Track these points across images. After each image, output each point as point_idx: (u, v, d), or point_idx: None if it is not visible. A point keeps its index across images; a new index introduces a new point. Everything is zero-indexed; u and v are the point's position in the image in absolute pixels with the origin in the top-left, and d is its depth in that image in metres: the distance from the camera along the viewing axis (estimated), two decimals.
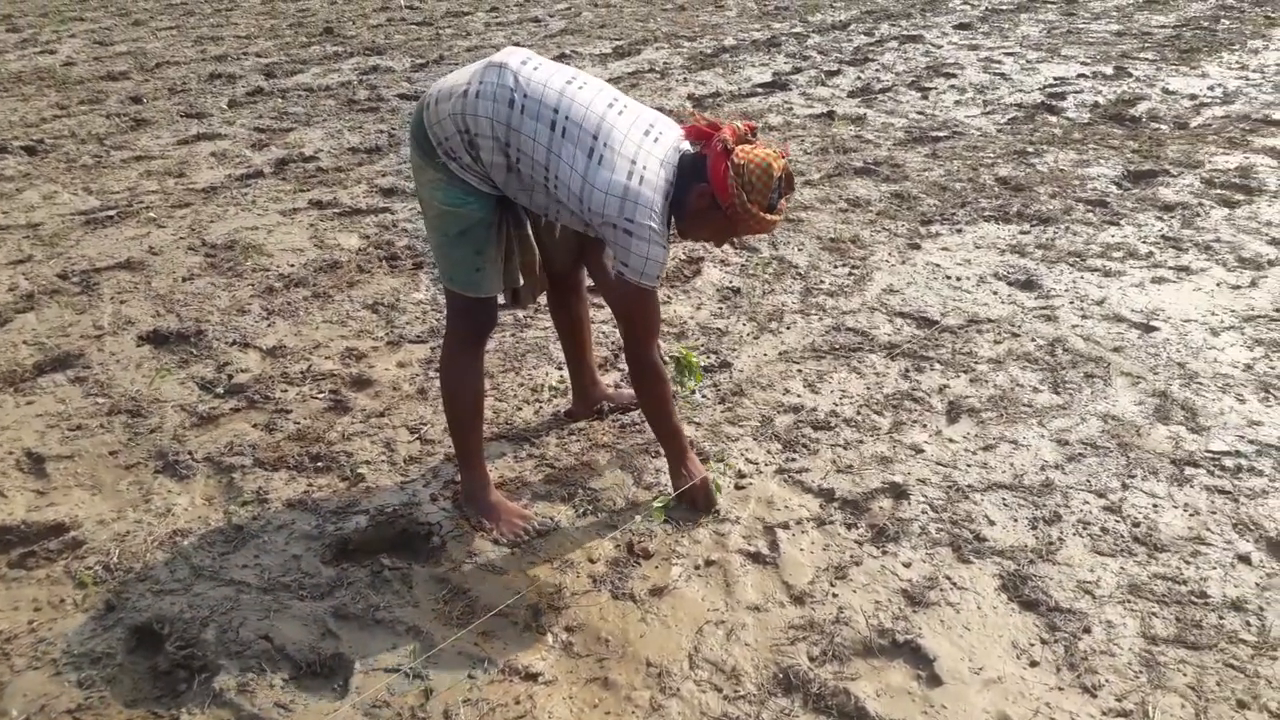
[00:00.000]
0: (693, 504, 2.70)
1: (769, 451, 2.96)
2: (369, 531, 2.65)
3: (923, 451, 2.95)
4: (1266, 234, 4.34)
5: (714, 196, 2.36)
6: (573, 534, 2.63)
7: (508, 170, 2.37)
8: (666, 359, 2.88)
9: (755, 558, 2.54)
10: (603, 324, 3.71)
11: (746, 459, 2.93)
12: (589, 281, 3.01)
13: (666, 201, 2.38)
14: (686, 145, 2.46)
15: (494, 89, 2.32)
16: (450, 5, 10.35)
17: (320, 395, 3.32)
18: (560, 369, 3.43)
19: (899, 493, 2.77)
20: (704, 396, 3.25)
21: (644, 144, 2.37)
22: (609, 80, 7.02)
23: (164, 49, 8.39)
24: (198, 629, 2.31)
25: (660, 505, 2.66)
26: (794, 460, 2.92)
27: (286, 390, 3.35)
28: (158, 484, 2.86)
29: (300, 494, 2.80)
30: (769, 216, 2.39)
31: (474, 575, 2.49)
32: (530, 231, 2.61)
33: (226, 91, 7.07)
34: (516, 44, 8.38)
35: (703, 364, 3.41)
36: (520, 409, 3.21)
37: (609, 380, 3.32)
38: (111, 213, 4.84)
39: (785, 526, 2.65)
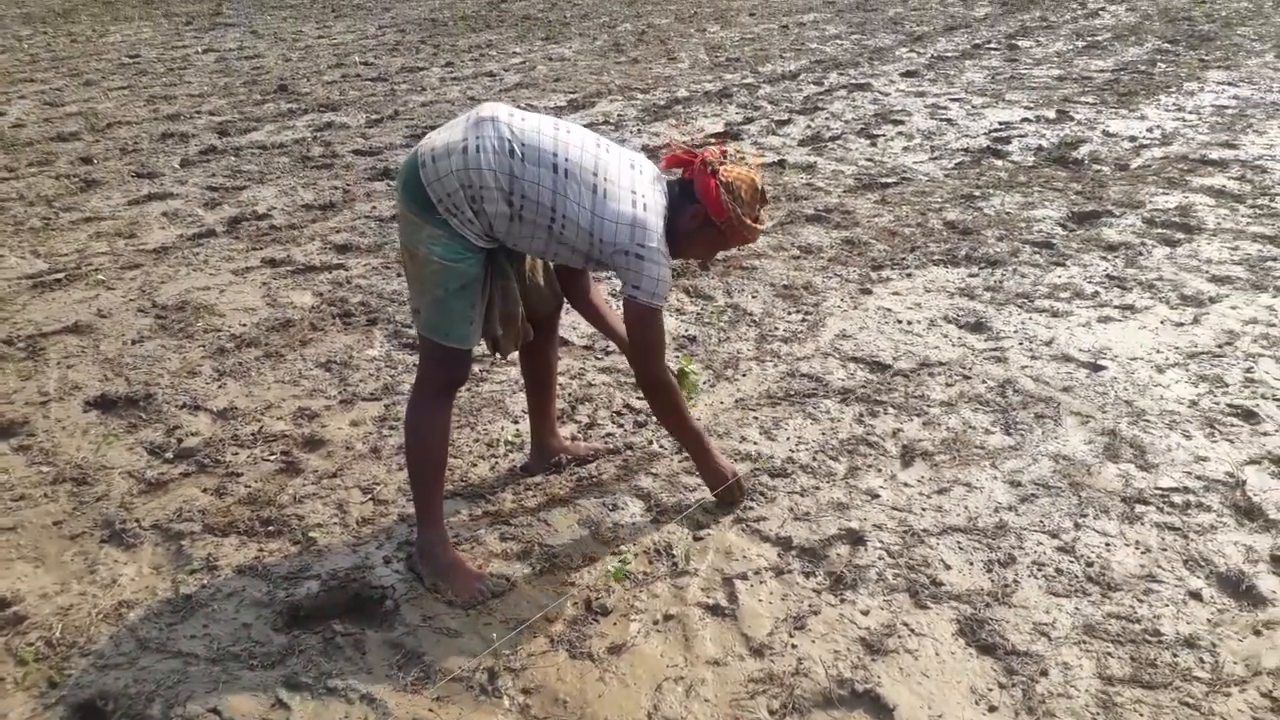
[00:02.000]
0: (729, 498, 2.89)
1: (725, 502, 2.95)
2: (321, 597, 2.60)
3: (878, 496, 2.97)
4: (1206, 271, 4.45)
5: (708, 215, 2.58)
6: (529, 593, 2.60)
7: (510, 219, 2.46)
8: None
9: (714, 610, 2.53)
10: (561, 374, 3.70)
11: (704, 509, 2.92)
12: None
13: (663, 225, 2.56)
14: (664, 176, 2.68)
15: (493, 142, 2.43)
16: (405, 60, 10.42)
17: (272, 457, 3.27)
18: (516, 423, 3.42)
19: (856, 539, 2.77)
20: (661, 446, 3.24)
21: (634, 178, 2.57)
22: None
23: (116, 109, 8.35)
24: (143, 704, 2.25)
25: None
26: (752, 509, 2.92)
27: (237, 453, 3.30)
28: (103, 554, 2.79)
29: (251, 559, 2.75)
30: (757, 225, 2.63)
31: (428, 639, 2.44)
32: (514, 282, 2.66)
33: (179, 151, 7.04)
34: (472, 99, 8.46)
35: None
36: (476, 465, 3.19)
37: (565, 433, 3.31)
38: (59, 275, 4.78)
39: (744, 577, 2.64)
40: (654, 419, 3.09)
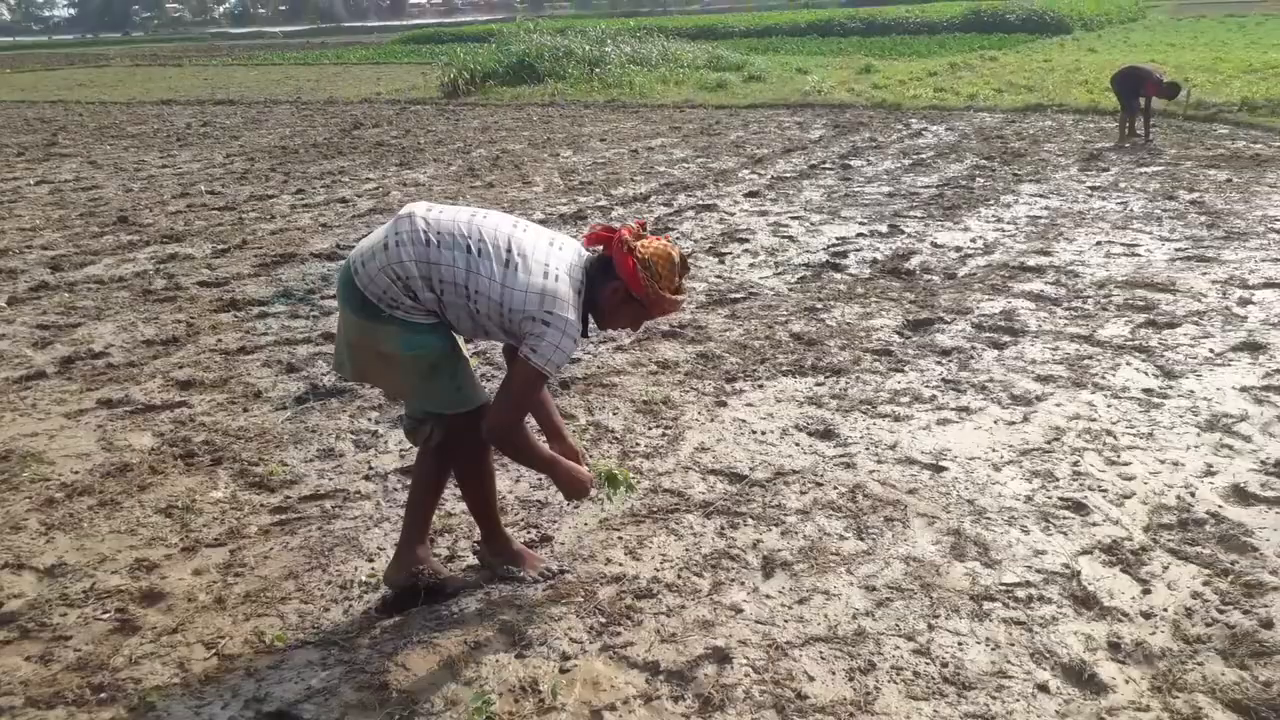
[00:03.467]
0: (572, 489, 2.94)
1: (592, 628, 2.92)
2: None
3: (742, 611, 2.99)
4: (1032, 371, 4.77)
5: (628, 290, 2.72)
6: None
7: (436, 301, 2.66)
8: (597, 472, 3.06)
9: None
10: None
11: (570, 638, 2.87)
12: None
13: (580, 299, 2.72)
14: (586, 253, 2.84)
15: (409, 235, 2.64)
16: (254, 189, 10.30)
17: (105, 615, 3.05)
18: (371, 561, 3.31)
19: (722, 657, 2.77)
20: (534, 581, 3.18)
21: (551, 253, 2.73)
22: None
23: None
24: None
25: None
26: (618, 634, 2.89)
27: (66, 614, 3.06)
28: None
29: None
30: (676, 297, 2.78)
31: None
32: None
33: (6, 287, 6.69)
34: (324, 225, 8.41)
35: (524, 539, 3.38)
36: (328, 609, 3.05)
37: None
38: None
39: (612, 708, 2.59)
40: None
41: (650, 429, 4.31)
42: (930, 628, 2.88)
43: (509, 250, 2.67)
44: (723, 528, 3.47)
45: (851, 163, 10.80)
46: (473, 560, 3.31)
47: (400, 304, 2.64)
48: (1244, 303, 5.67)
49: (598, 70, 21.03)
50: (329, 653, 2.84)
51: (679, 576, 3.18)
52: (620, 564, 3.26)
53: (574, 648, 2.84)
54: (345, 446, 4.20)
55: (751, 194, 9.36)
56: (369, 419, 4.46)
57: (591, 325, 2.88)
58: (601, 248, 2.81)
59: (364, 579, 3.20)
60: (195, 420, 4.50)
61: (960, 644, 2.80)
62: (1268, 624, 2.87)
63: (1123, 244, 7.06)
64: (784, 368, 4.96)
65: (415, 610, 3.02)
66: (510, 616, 2.97)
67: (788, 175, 10.23)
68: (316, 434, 4.32)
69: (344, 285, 2.71)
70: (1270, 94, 13.75)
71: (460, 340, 2.89)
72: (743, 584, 3.13)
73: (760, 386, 4.75)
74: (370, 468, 4.00)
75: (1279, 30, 26.90)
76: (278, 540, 3.47)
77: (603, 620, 2.95)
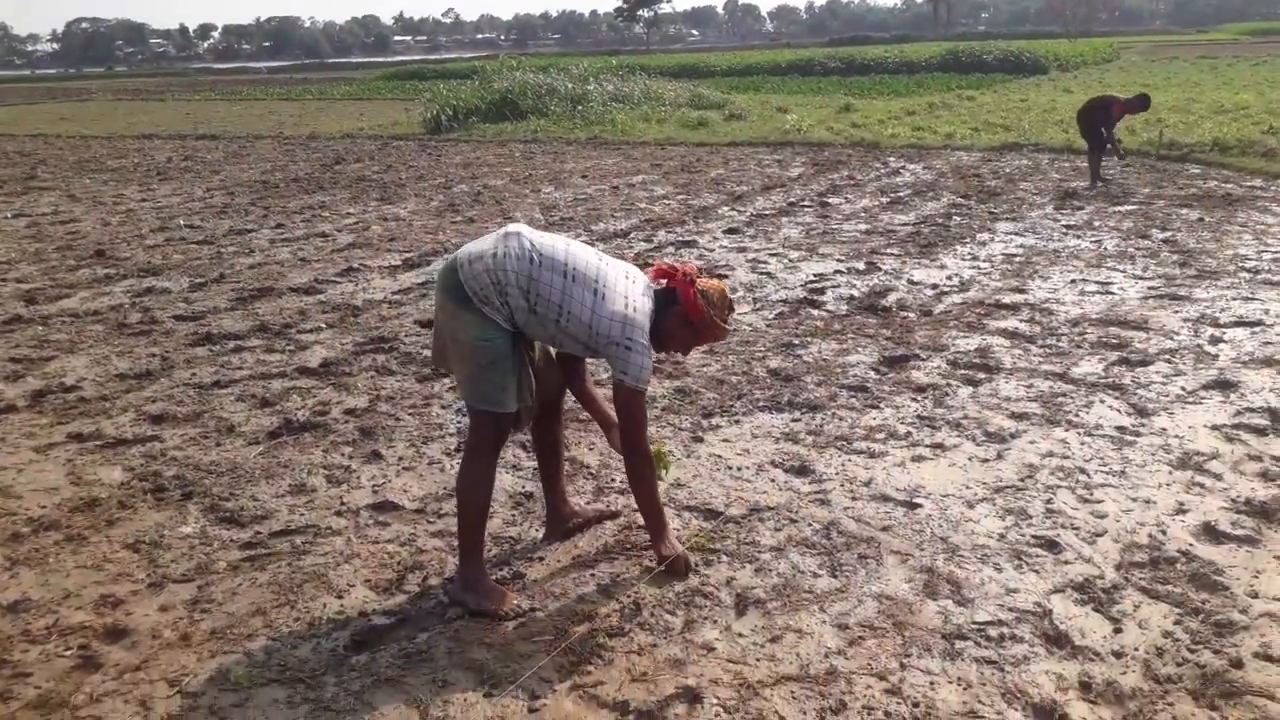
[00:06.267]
0: (673, 573, 3.33)
1: (562, 667, 2.89)
2: None
3: (714, 649, 2.97)
4: (1006, 409, 4.80)
5: (687, 315, 3.19)
6: None
7: (528, 312, 3.05)
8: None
9: None
10: (390, 541, 3.58)
11: (540, 677, 2.84)
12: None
13: (649, 325, 3.15)
14: (652, 285, 3.27)
15: (516, 251, 3.04)
16: (233, 223, 10.29)
17: (67, 652, 2.99)
18: (340, 598, 3.27)
19: (693, 697, 2.75)
20: (504, 618, 3.15)
21: (628, 285, 3.16)
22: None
23: None
24: None
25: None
26: (589, 673, 2.86)
27: (28, 650, 3.01)
28: None
29: None
30: (725, 325, 3.27)
31: None
32: (530, 367, 3.22)
33: None
34: (303, 260, 8.40)
35: (497, 577, 3.36)
36: (296, 647, 3.01)
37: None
38: None
39: None
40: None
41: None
42: (902, 666, 2.86)
43: (597, 280, 3.08)
44: (697, 564, 3.46)
45: (830, 200, 10.91)
46: (443, 597, 3.28)
47: (490, 302, 3.02)
48: (1215, 341, 5.74)
49: (580, 108, 21.24)
50: (295, 691, 2.80)
51: (652, 614, 3.16)
52: (593, 601, 3.24)
53: (543, 687, 2.80)
54: (317, 482, 4.16)
55: (731, 230, 9.43)
56: (342, 454, 4.43)
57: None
58: (665, 281, 3.27)
59: (332, 615, 3.16)
60: (166, 454, 4.46)
61: (932, 683, 2.79)
62: (1238, 664, 2.87)
63: (1096, 282, 7.14)
64: (761, 404, 4.97)
65: (383, 647, 2.98)
66: (479, 655, 2.94)
67: (767, 212, 10.32)
68: (289, 469, 4.28)
69: (448, 276, 3.08)
70: (1241, 134, 14.01)
71: (544, 348, 3.34)
72: (715, 622, 3.12)
73: (737, 422, 4.75)
74: (342, 503, 3.96)
75: (1249, 72, 27.47)
76: (246, 576, 3.43)
77: (573, 659, 2.92)
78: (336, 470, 4.27)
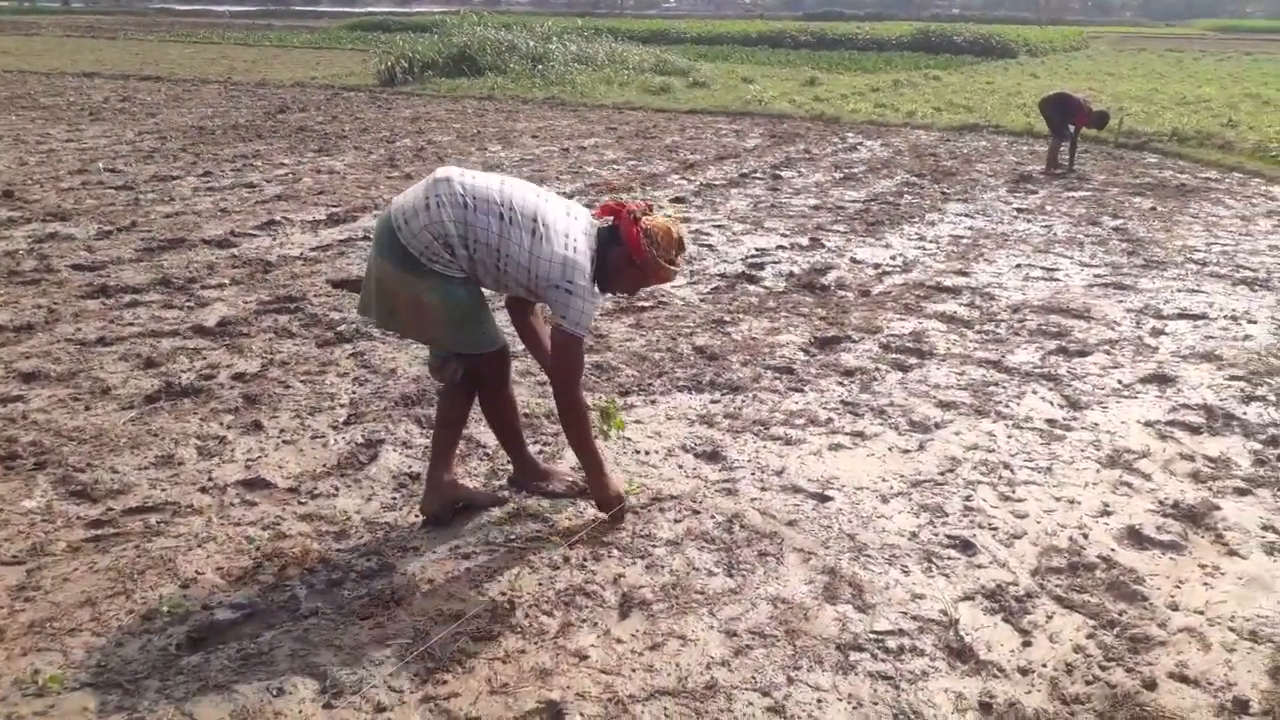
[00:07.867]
0: (611, 516, 3.32)
1: (416, 674, 2.61)
2: None
3: (587, 658, 2.70)
4: (934, 396, 4.57)
5: (630, 256, 3.07)
6: None
7: (468, 259, 2.97)
8: (591, 407, 3.35)
9: None
10: (254, 524, 3.27)
11: (390, 686, 2.56)
12: None
13: (592, 266, 3.05)
14: (597, 222, 3.17)
15: (448, 197, 2.95)
16: (157, 169, 9.76)
17: None
18: (185, 588, 2.96)
19: (555, 713, 2.48)
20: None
21: (569, 222, 3.05)
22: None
23: None
24: None
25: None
26: (444, 682, 2.59)
27: None
28: None
29: None
30: (671, 267, 3.13)
31: None
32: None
33: None
34: (224, 210, 7.96)
35: (363, 569, 3.06)
36: (122, 644, 2.69)
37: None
38: None
39: None
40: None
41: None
42: (789, 681, 2.62)
43: (535, 219, 2.98)
44: (585, 559, 3.19)
45: (782, 173, 10.61)
46: (300, 589, 2.98)
47: (439, 258, 2.94)
48: (1156, 333, 5.56)
49: (540, 67, 20.67)
50: (109, 698, 2.49)
51: (526, 615, 2.89)
52: (463, 599, 2.96)
53: (392, 698, 2.52)
54: (187, 453, 3.82)
55: (677, 200, 9.10)
56: (220, 422, 4.09)
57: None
58: (612, 219, 3.13)
59: (170, 607, 2.84)
60: (28, 417, 4.09)
61: (819, 701, 2.55)
62: (1150, 684, 2.67)
63: (1042, 268, 6.94)
64: (681, 383, 4.69)
65: (221, 646, 2.68)
66: (325, 659, 2.65)
67: (717, 182, 10.00)
68: (158, 438, 3.94)
69: (385, 237, 2.98)
70: (1200, 126, 13.91)
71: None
72: (595, 625, 2.85)
73: (653, 402, 4.48)
74: (210, 479, 3.64)
75: (1214, 66, 27.52)
76: (85, 560, 3.10)
77: (430, 665, 2.64)
78: (210, 441, 3.93)
